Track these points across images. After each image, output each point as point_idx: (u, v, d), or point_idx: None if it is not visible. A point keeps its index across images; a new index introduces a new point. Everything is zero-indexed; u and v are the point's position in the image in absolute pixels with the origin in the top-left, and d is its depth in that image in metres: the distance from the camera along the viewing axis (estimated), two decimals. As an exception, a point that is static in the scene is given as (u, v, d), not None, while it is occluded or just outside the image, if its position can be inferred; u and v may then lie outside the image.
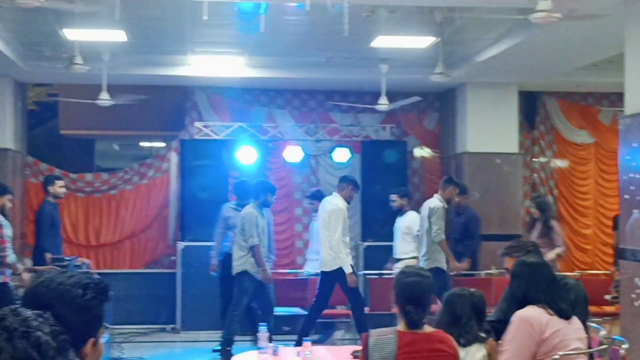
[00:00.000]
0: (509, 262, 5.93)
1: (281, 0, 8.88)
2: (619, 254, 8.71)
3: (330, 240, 10.74)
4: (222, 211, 11.96)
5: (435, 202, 11.36)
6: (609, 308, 10.69)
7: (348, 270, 10.68)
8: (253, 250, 10.78)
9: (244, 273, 10.83)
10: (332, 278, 10.73)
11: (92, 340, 2.67)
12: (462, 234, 12.59)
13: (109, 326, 10.64)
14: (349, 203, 11.17)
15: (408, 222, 11.96)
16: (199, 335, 13.10)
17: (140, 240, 14.46)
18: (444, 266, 11.09)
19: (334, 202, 11.01)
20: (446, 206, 11.42)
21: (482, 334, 5.57)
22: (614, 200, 12.93)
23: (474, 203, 13.73)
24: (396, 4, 9.54)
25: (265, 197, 11.05)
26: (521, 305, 5.24)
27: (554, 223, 11.37)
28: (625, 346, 5.70)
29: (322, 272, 10.91)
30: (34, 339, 2.16)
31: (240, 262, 10.87)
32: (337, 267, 10.66)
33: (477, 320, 5.62)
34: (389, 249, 12.60)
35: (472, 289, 5.83)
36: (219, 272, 11.91)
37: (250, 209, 10.95)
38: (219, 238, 11.97)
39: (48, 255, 11.15)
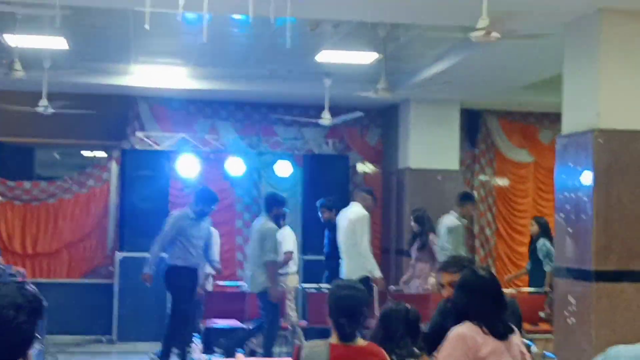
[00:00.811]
0: (444, 278, 5.96)
1: (225, 11, 8.85)
2: (554, 271, 8.80)
3: (357, 248, 10.94)
4: (174, 219, 11.45)
5: (452, 220, 11.44)
6: (544, 325, 10.79)
7: (378, 274, 11.03)
8: (267, 266, 10.79)
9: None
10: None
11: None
12: None
13: (44, 336, 10.51)
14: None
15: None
16: (135, 347, 12.99)
17: (78, 250, 14.29)
18: None
19: (357, 211, 11.22)
20: (466, 222, 11.55)
21: (416, 350, 5.59)
22: (550, 219, 13.07)
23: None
24: (339, 19, 9.56)
25: (276, 210, 11.20)
26: (459, 318, 5.18)
27: (432, 237, 11.61)
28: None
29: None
30: None
31: (262, 280, 10.81)
32: (366, 274, 10.70)
33: (412, 336, 5.64)
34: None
35: (408, 305, 5.84)
36: (166, 284, 11.55)
37: (269, 223, 10.98)
38: (160, 248, 11.47)
39: None
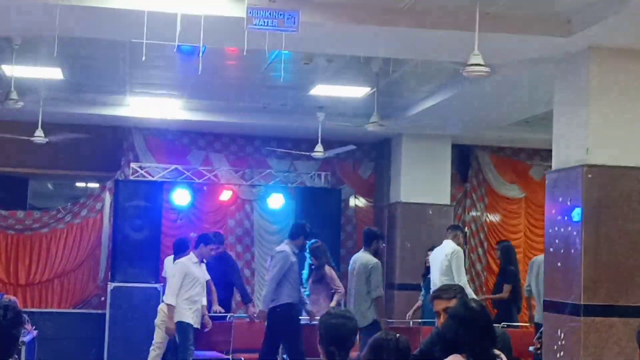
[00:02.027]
0: (437, 305, 5.97)
1: (220, 44, 8.96)
2: (544, 305, 8.85)
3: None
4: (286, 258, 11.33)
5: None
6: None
7: None
8: (377, 301, 10.99)
9: (375, 322, 10.85)
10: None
11: None
12: None
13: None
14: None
15: None
16: (125, 377, 12.99)
17: (70, 280, 14.30)
18: None
19: (452, 246, 11.22)
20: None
21: None
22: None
23: (405, 253, 13.89)
24: (333, 53, 9.67)
25: (375, 244, 11.37)
26: (447, 350, 5.16)
27: (327, 269, 11.86)
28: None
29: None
30: None
31: (370, 314, 10.90)
32: None
33: None
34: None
35: (398, 335, 5.85)
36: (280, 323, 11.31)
37: (372, 258, 11.13)
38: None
39: None
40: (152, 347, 11.35)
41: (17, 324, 2.85)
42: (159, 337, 11.25)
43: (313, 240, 12.11)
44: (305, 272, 12.15)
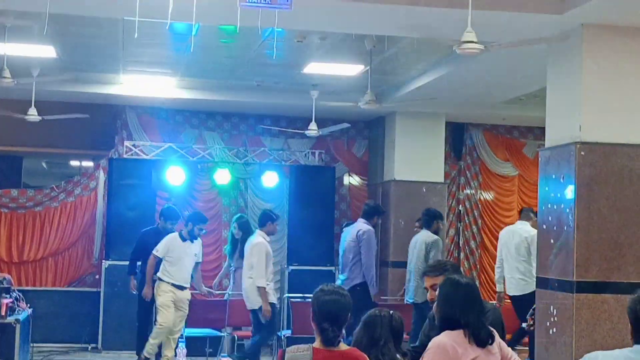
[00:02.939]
0: (428, 281, 6.00)
1: (213, 21, 8.93)
2: (537, 282, 8.89)
3: (529, 266, 11.16)
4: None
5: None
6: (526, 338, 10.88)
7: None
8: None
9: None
10: (520, 301, 11.14)
11: None
12: None
13: (30, 344, 10.54)
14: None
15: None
16: (120, 355, 13.01)
17: (65, 258, 14.31)
18: None
19: (529, 230, 11.38)
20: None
21: (399, 357, 5.63)
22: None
23: (399, 231, 13.91)
24: (327, 31, 9.66)
25: (436, 224, 11.78)
26: (444, 325, 5.20)
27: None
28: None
29: (513, 297, 11.51)
30: None
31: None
32: (529, 291, 10.81)
33: (395, 342, 5.67)
34: (314, 273, 12.79)
35: (391, 311, 5.87)
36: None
37: (432, 235, 11.59)
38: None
39: None
40: (158, 329, 11.13)
41: None
42: (164, 318, 11.16)
43: (240, 215, 12.23)
44: (228, 247, 12.29)
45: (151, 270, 11.29)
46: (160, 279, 11.23)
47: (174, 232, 11.52)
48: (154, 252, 11.30)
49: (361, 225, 11.66)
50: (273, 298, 11.12)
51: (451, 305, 5.15)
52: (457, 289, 5.22)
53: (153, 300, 11.32)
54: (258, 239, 11.20)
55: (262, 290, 10.90)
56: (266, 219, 11.46)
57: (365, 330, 5.67)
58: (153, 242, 11.50)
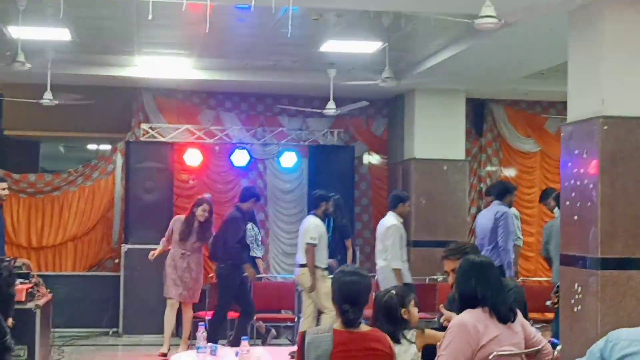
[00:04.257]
0: (448, 265, 5.96)
1: (228, 1, 8.83)
2: (560, 259, 8.77)
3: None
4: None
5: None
6: (550, 315, 10.76)
7: None
8: (516, 249, 11.69)
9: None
10: None
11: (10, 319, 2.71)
12: None
13: (50, 329, 10.52)
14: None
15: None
16: (141, 339, 13.00)
17: (84, 243, 14.28)
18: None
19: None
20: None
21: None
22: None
23: (420, 210, 13.79)
24: (343, 8, 9.53)
25: (509, 197, 11.82)
26: (464, 305, 5.18)
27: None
28: (559, 348, 5.72)
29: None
30: None
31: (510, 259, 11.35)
32: None
33: (387, 320, 5.72)
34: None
35: (393, 291, 5.92)
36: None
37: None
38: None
39: None
40: (330, 317, 10.88)
41: (11, 284, 2.85)
42: (329, 303, 11.15)
43: (200, 197, 12.18)
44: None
45: (313, 260, 11.34)
46: (315, 266, 11.35)
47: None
48: (311, 241, 11.31)
49: (498, 207, 11.53)
50: (408, 278, 11.26)
51: (468, 283, 5.19)
52: (472, 267, 5.26)
53: (240, 289, 11.25)
54: (391, 220, 11.24)
55: (397, 272, 11.05)
56: (397, 201, 11.47)
57: (379, 311, 5.78)
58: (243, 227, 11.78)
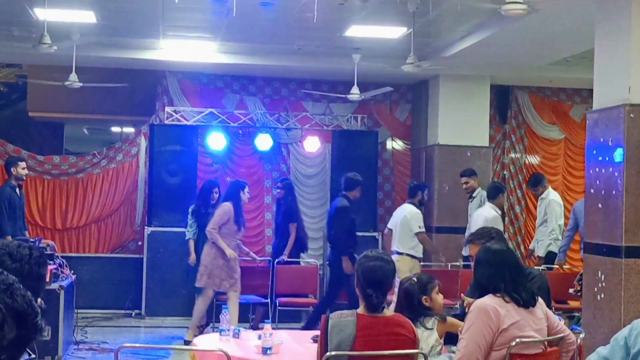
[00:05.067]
0: (472, 250, 5.96)
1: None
2: (584, 247, 8.73)
3: None
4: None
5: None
6: (574, 303, 10.72)
7: None
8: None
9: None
10: None
11: (40, 299, 2.73)
12: None
13: (74, 310, 10.60)
14: None
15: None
16: (163, 321, 13.06)
17: (107, 225, 14.36)
18: None
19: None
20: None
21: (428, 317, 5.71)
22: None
23: (442, 196, 13.77)
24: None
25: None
26: (484, 293, 5.20)
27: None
28: (582, 336, 5.71)
29: None
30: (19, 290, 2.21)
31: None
32: None
33: (405, 305, 5.74)
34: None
35: (415, 277, 5.93)
36: None
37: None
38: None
39: (8, 239, 11.01)
40: None
41: (42, 264, 2.89)
42: None
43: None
44: None
45: (433, 245, 12.05)
46: (412, 256, 11.49)
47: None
48: (421, 230, 11.46)
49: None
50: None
51: (487, 271, 5.22)
52: (487, 253, 5.31)
53: (349, 277, 11.28)
54: (491, 212, 11.26)
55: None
56: (498, 192, 11.56)
57: (402, 296, 5.79)
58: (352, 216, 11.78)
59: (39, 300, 2.77)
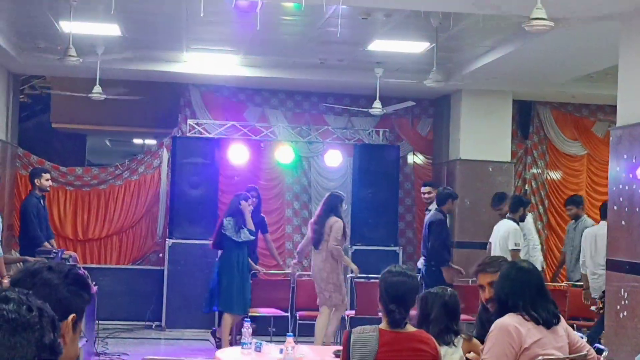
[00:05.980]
0: (482, 279, 5.75)
1: (277, -1, 8.86)
2: (607, 264, 8.69)
3: None
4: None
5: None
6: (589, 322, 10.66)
7: None
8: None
9: None
10: None
11: (72, 315, 2.70)
12: None
13: (94, 321, 10.63)
14: None
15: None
16: (183, 333, 13.07)
17: (129, 236, 14.42)
18: None
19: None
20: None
21: (454, 336, 5.60)
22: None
23: (464, 211, 13.74)
24: (392, 8, 9.51)
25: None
26: (501, 307, 5.15)
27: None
28: (604, 354, 5.67)
29: None
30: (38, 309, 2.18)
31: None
32: None
33: (448, 319, 5.62)
34: (378, 253, 12.70)
35: (449, 289, 5.84)
36: None
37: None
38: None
39: (46, 245, 11.19)
40: None
41: (67, 286, 2.86)
42: None
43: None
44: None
45: None
46: None
47: None
48: (515, 247, 11.18)
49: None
50: None
51: (506, 285, 5.17)
52: (513, 269, 5.26)
53: None
54: (513, 225, 11.28)
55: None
56: (519, 205, 11.58)
57: (419, 306, 5.68)
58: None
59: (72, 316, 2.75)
